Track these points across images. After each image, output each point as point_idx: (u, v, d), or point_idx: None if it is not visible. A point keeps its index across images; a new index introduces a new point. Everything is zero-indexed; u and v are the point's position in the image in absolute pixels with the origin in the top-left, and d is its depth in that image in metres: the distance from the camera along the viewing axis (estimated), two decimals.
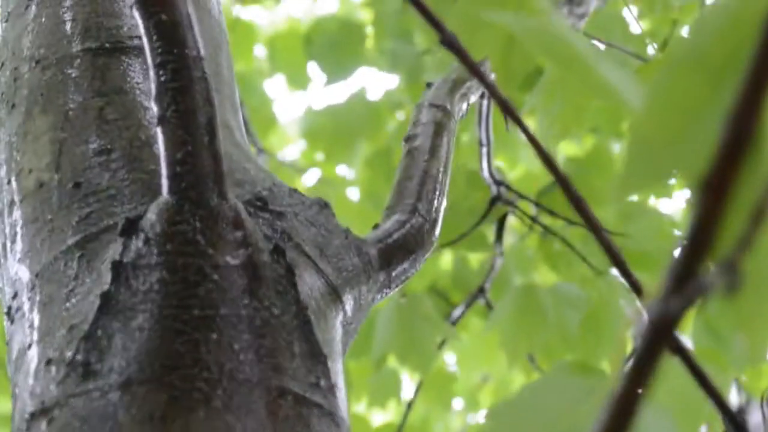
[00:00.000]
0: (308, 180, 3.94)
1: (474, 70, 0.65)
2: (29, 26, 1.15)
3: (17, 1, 1.19)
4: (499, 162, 3.36)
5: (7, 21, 1.18)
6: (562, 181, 0.61)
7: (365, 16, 3.54)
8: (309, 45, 3.32)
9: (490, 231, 2.45)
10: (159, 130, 0.86)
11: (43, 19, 1.14)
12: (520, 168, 3.05)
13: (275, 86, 4.60)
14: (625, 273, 0.66)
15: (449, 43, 0.66)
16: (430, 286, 2.71)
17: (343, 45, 3.15)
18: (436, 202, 1.15)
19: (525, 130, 0.64)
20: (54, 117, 1.03)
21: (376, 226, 1.11)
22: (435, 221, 1.13)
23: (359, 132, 3.29)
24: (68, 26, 1.12)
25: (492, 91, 0.65)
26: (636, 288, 0.65)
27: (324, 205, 1.03)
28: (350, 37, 3.21)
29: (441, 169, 1.19)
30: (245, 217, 0.89)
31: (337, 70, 3.16)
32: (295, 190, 1.03)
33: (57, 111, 1.04)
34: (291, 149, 4.63)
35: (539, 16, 0.59)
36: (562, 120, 1.32)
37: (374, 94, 3.86)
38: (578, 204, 0.62)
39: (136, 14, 0.89)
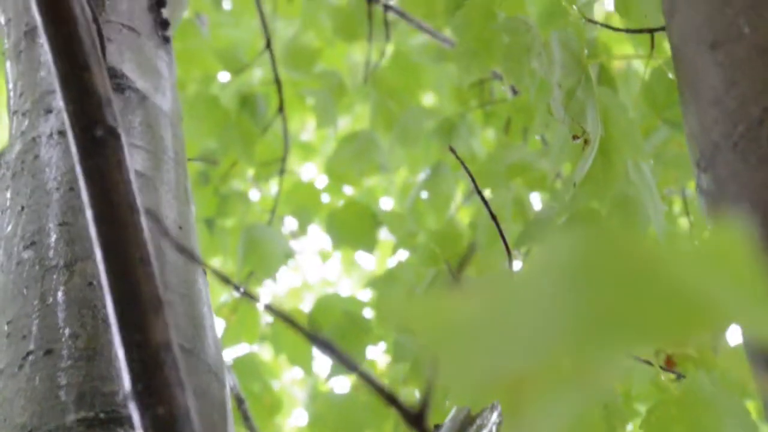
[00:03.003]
0: None
1: None
2: (21, 389, 1.10)
3: (10, 359, 1.15)
4: None
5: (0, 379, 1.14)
6: None
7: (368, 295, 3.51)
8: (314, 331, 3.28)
9: None
10: None
11: (37, 383, 1.10)
12: None
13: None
14: None
15: None
16: None
17: (349, 336, 3.13)
18: None
19: None
20: None
21: None
22: None
23: (363, 424, 3.24)
24: (62, 392, 1.08)
25: None
26: None
27: None
28: (355, 328, 3.19)
29: None
30: None
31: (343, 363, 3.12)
32: None
33: None
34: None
35: None
36: None
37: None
38: None
39: (131, 406, 0.84)
